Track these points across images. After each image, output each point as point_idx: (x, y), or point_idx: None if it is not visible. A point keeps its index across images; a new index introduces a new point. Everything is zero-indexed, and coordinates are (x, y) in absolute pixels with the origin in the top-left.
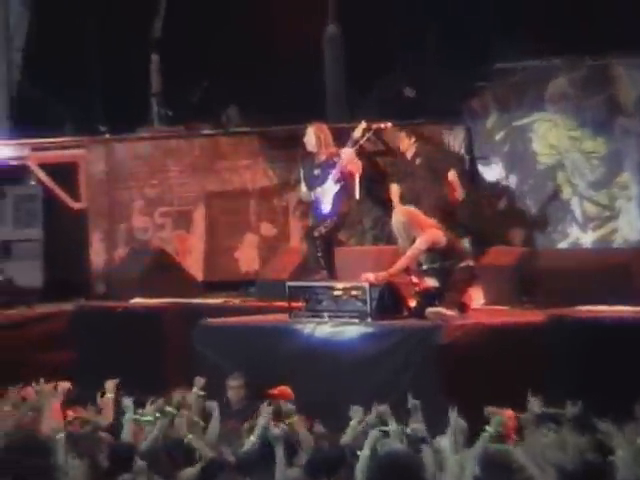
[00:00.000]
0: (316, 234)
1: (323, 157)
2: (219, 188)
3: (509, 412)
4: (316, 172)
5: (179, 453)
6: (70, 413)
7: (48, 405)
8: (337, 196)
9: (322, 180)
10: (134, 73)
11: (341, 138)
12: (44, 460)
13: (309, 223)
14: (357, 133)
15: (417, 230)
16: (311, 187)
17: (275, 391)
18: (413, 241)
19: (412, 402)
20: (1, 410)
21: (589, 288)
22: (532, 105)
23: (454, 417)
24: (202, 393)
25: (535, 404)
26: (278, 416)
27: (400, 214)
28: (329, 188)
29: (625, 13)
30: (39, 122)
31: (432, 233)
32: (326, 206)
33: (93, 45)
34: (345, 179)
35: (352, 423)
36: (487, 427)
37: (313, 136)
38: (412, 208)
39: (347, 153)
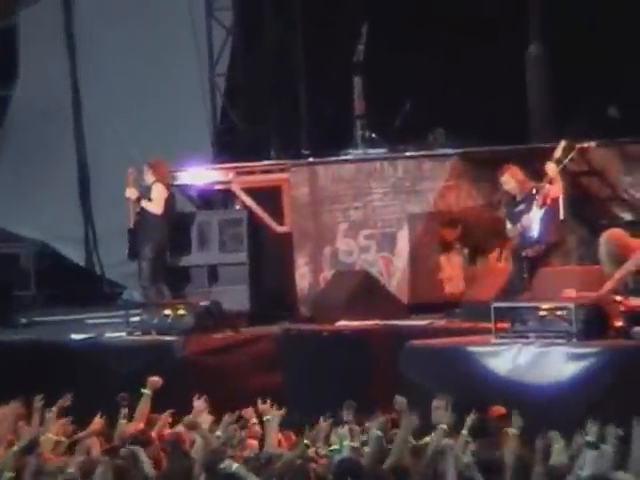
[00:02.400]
0: (524, 254)
1: (522, 194)
2: (422, 209)
3: None
4: (518, 209)
5: None
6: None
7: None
8: (543, 221)
9: (526, 210)
10: (337, 96)
11: (545, 158)
12: None
13: (515, 244)
14: (557, 152)
15: (625, 252)
16: (515, 221)
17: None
18: (619, 264)
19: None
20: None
21: None
22: None
23: None
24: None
25: None
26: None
27: (606, 237)
28: (534, 215)
29: None
30: (243, 146)
31: None
32: (534, 232)
33: (297, 68)
34: (550, 204)
35: (556, 447)
36: None
37: (510, 180)
38: (619, 230)
39: (550, 169)
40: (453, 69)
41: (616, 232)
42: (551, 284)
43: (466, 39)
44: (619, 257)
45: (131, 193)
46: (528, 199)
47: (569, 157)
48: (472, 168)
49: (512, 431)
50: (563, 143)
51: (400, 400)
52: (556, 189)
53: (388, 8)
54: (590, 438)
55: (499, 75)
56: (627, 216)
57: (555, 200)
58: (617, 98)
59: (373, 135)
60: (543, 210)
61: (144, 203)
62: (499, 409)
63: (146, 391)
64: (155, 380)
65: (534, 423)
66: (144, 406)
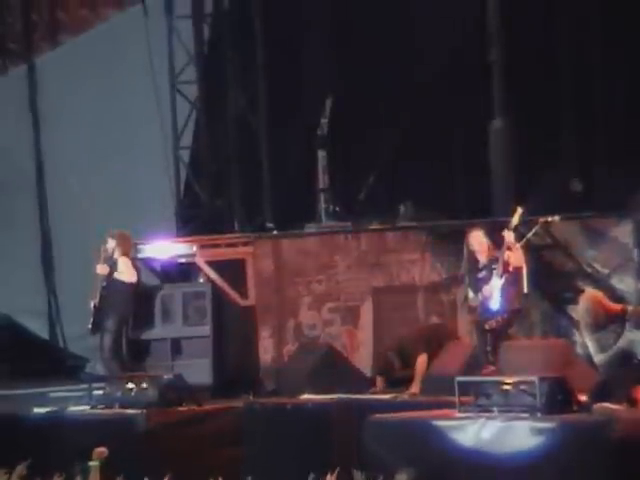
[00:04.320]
0: (487, 327)
1: (485, 259)
2: (386, 283)
3: None
4: (480, 275)
5: None
6: None
7: None
8: (504, 291)
9: (487, 279)
10: (301, 169)
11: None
12: None
13: (477, 317)
14: (514, 220)
15: (605, 313)
16: (477, 290)
17: None
18: (597, 325)
19: None
20: None
21: None
22: None
23: None
24: None
25: None
26: None
27: (586, 297)
28: (495, 284)
29: None
30: (207, 219)
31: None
32: (495, 303)
33: (261, 141)
34: (510, 272)
35: None
36: None
37: (475, 241)
38: (598, 292)
39: (507, 236)
40: (417, 142)
41: (596, 293)
42: (515, 358)
43: (431, 112)
44: (598, 317)
45: (102, 269)
46: (489, 268)
47: (533, 231)
48: (436, 241)
49: None
50: (519, 210)
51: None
52: (516, 258)
53: (353, 81)
54: None
55: (463, 148)
56: (591, 290)
57: (516, 269)
58: (580, 172)
59: (337, 208)
60: (503, 279)
61: (116, 274)
62: None
63: (93, 463)
64: (101, 451)
65: None
66: (93, 478)
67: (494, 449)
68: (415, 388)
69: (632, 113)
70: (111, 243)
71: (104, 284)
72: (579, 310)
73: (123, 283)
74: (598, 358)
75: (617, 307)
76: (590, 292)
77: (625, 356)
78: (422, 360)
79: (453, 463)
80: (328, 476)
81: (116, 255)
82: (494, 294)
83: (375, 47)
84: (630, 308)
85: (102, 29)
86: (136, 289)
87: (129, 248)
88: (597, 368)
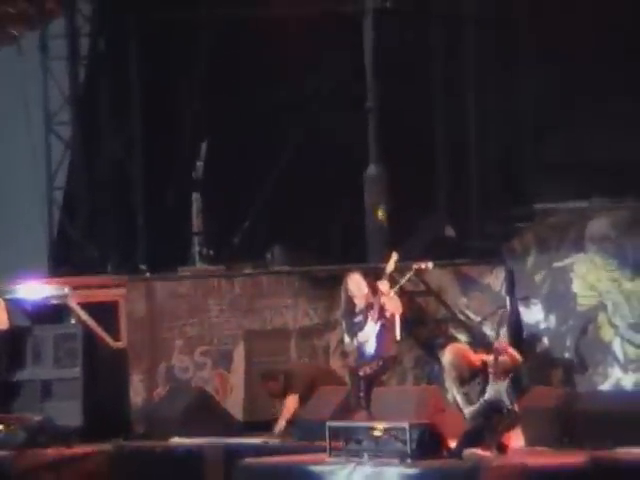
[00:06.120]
0: (361, 373)
1: (362, 303)
2: (259, 327)
3: None
4: (357, 320)
5: None
6: None
7: None
8: (379, 337)
9: (363, 324)
10: (176, 212)
11: (381, 278)
12: None
13: (350, 363)
14: (390, 266)
15: (468, 365)
16: (353, 335)
17: None
18: (461, 376)
19: None
20: None
21: (630, 430)
22: (572, 246)
23: None
24: None
25: None
26: None
27: (450, 349)
28: (370, 329)
29: None
30: (80, 261)
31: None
32: (370, 348)
33: (136, 183)
34: (385, 318)
35: None
36: None
37: (352, 285)
38: (461, 345)
39: (382, 284)
40: (293, 188)
41: (460, 346)
42: (387, 404)
43: (305, 159)
44: (462, 371)
45: None
46: (365, 313)
47: (407, 278)
48: (310, 287)
49: None
50: (394, 256)
51: None
52: (392, 304)
53: (229, 126)
54: None
55: (339, 195)
56: (463, 337)
57: (392, 316)
58: (453, 219)
59: (211, 252)
60: (379, 325)
61: None
62: None
63: None
64: None
65: None
66: None
67: None
68: (279, 427)
69: (504, 160)
70: None
71: None
72: (445, 364)
73: None
74: (467, 411)
75: (478, 359)
76: (454, 346)
77: (492, 407)
78: (292, 400)
79: None
80: None
81: None
82: (370, 340)
83: (251, 92)
84: (490, 360)
85: None
86: (5, 332)
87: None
88: (466, 420)
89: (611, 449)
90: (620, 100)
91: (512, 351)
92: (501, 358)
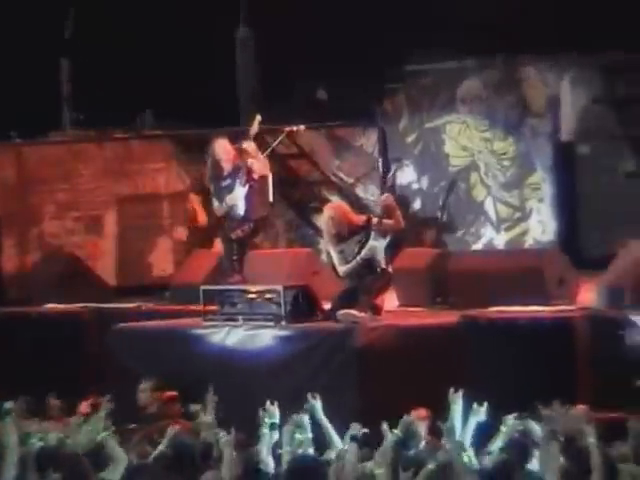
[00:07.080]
0: (233, 237)
1: (229, 166)
2: (131, 192)
3: (422, 412)
4: (224, 183)
5: None
6: None
7: None
8: (248, 199)
9: (231, 187)
10: (45, 77)
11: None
12: None
13: (223, 225)
14: (254, 128)
15: (347, 223)
16: (221, 199)
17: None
18: (338, 237)
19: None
20: None
21: (502, 289)
22: (444, 107)
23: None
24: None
25: None
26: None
27: (329, 209)
28: (239, 192)
29: (536, 15)
30: None
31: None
32: (240, 211)
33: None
34: (254, 180)
35: (265, 430)
36: (395, 430)
37: (219, 149)
38: (341, 203)
39: (249, 147)
40: (163, 50)
41: (339, 204)
42: (261, 267)
43: (177, 20)
44: (341, 229)
45: None
46: (233, 176)
47: (278, 140)
48: (182, 150)
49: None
50: (258, 117)
51: None
52: (260, 166)
53: None
54: (269, 419)
55: (210, 57)
56: (336, 199)
57: (262, 178)
58: (325, 82)
59: (81, 117)
60: (247, 187)
61: None
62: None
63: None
64: None
65: (242, 406)
66: None
67: (239, 357)
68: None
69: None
70: None
71: None
72: (322, 222)
73: None
74: (341, 269)
75: (361, 217)
76: (333, 203)
77: (368, 265)
78: None
79: (198, 371)
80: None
81: None
82: (239, 202)
83: None
84: (375, 218)
85: None
86: None
87: None
88: (341, 279)
89: None
90: None
91: (398, 213)
92: (386, 220)
